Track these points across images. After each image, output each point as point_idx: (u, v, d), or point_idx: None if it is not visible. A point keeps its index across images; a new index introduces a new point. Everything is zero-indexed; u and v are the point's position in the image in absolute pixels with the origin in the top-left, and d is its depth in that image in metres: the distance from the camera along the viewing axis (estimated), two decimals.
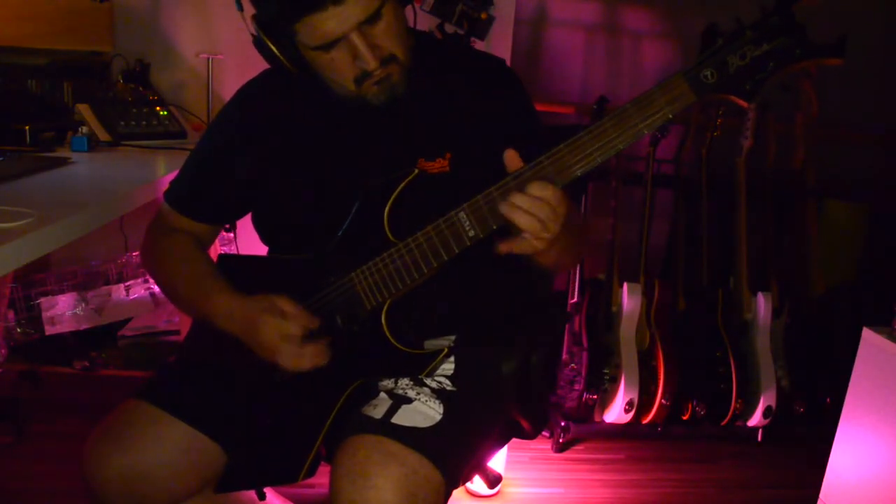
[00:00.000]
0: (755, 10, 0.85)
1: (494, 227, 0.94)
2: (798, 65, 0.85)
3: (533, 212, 0.90)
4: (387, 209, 1.03)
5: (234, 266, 1.20)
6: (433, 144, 1.10)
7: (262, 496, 1.23)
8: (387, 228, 1.03)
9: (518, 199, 0.90)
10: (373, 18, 0.97)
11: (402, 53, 1.03)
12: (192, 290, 1.14)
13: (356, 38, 0.97)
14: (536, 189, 0.90)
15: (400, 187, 1.03)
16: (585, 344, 2.21)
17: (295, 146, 1.15)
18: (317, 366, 1.04)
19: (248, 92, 1.19)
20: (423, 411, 1.02)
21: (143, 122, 1.94)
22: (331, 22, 0.95)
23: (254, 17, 1.03)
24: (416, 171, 1.04)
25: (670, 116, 0.87)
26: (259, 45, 1.04)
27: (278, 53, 1.03)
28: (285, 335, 1.02)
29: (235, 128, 1.18)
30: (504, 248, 0.93)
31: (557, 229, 0.91)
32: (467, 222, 0.95)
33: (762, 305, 2.30)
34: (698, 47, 0.87)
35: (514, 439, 1.28)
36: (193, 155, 1.23)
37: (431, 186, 1.06)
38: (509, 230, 0.93)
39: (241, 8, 1.07)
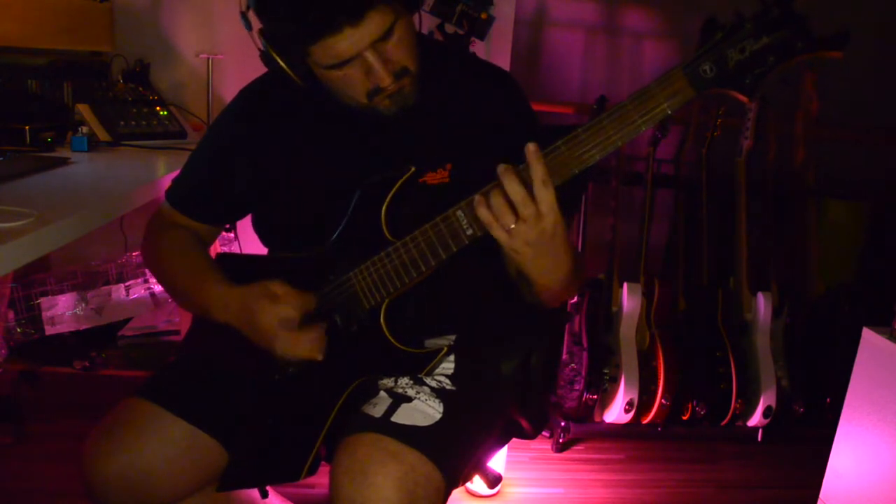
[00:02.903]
0: (755, 7, 0.83)
1: None
2: (799, 58, 0.83)
3: (512, 195, 0.87)
4: (384, 208, 1.03)
5: (233, 265, 1.21)
6: (433, 155, 1.09)
7: (264, 494, 1.23)
8: (384, 227, 1.02)
9: (505, 170, 0.88)
10: (386, 35, 0.96)
11: (414, 65, 1.02)
12: (189, 283, 1.15)
13: (370, 56, 0.96)
14: (536, 164, 0.87)
15: (397, 185, 1.03)
16: (585, 344, 2.21)
17: (295, 150, 1.15)
18: (313, 355, 1.04)
19: (249, 95, 1.19)
20: (423, 410, 1.02)
21: (143, 122, 1.94)
22: (345, 42, 0.94)
23: (261, 32, 1.01)
24: (413, 169, 1.03)
25: (669, 112, 0.86)
26: (267, 60, 1.02)
27: (288, 70, 1.01)
28: (282, 319, 1.02)
29: (236, 130, 1.18)
30: (477, 199, 0.91)
31: (534, 233, 0.89)
32: (465, 220, 0.94)
33: (762, 305, 2.30)
34: (698, 44, 0.86)
35: (514, 439, 1.28)
36: (194, 156, 1.23)
37: (431, 197, 1.06)
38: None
39: (249, 28, 1.05)
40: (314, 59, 0.98)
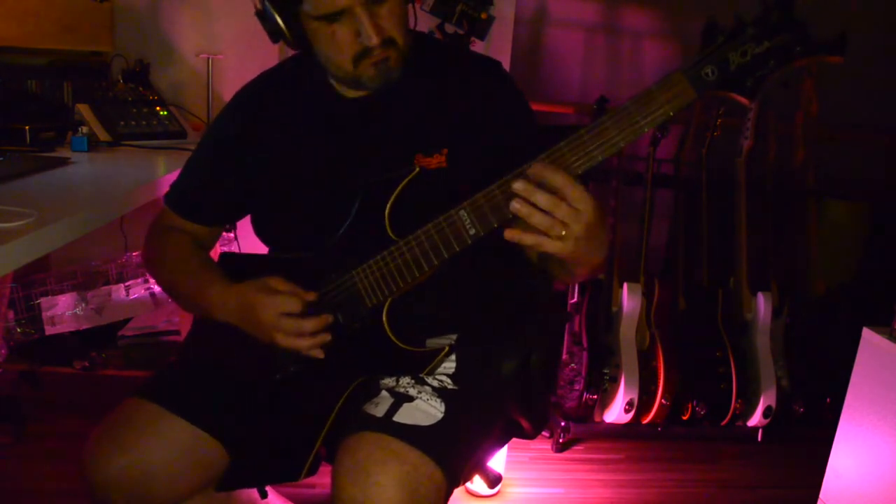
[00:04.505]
0: (755, 9, 0.84)
1: (496, 226, 0.93)
2: (799, 62, 0.83)
3: (547, 208, 0.85)
4: (388, 208, 1.03)
5: (236, 264, 1.21)
6: (430, 140, 1.10)
7: (264, 494, 1.23)
8: (388, 227, 1.03)
9: (525, 189, 0.86)
10: None
11: (402, 39, 1.03)
12: (190, 285, 1.15)
13: (361, 12, 0.98)
14: (552, 175, 0.85)
15: (401, 186, 1.03)
16: (585, 344, 2.21)
17: (293, 147, 1.15)
18: (319, 344, 1.04)
19: (245, 95, 1.20)
20: (425, 409, 1.02)
21: (143, 122, 1.94)
22: None
23: None
24: (418, 169, 1.04)
25: (671, 114, 0.86)
26: (263, 16, 1.04)
27: (282, 25, 1.02)
28: (282, 311, 1.03)
29: (233, 131, 1.18)
30: (509, 234, 0.89)
31: (580, 229, 0.87)
32: (468, 220, 0.94)
33: (762, 305, 2.30)
34: (698, 46, 0.86)
35: (514, 439, 1.28)
36: (192, 158, 1.24)
37: (430, 182, 1.06)
38: (512, 225, 0.91)
39: None
40: (306, 9, 0.99)
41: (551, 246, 0.88)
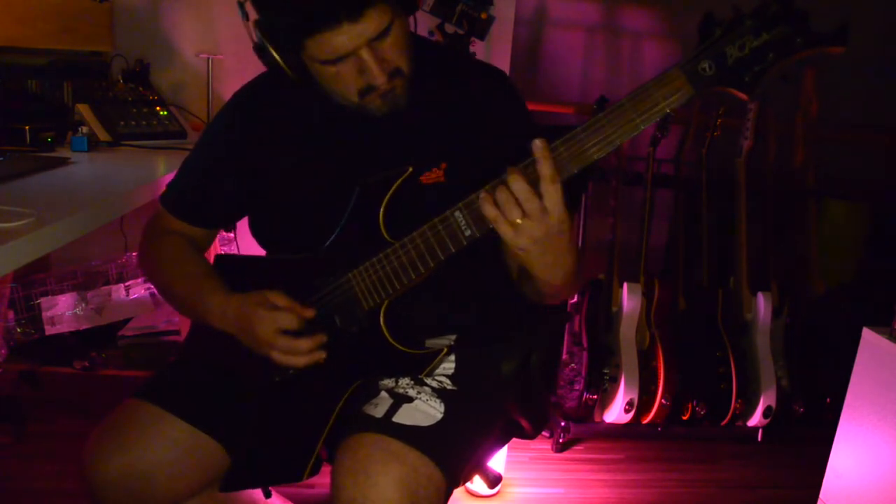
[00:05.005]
0: (752, 4, 0.82)
1: (491, 227, 0.92)
2: (798, 55, 0.82)
3: (518, 194, 0.87)
4: (382, 208, 1.02)
5: (232, 266, 1.20)
6: (429, 154, 1.09)
7: (268, 494, 1.23)
8: (383, 228, 1.02)
9: (510, 171, 0.88)
10: (383, 34, 0.96)
11: (407, 66, 1.02)
12: (187, 291, 1.15)
13: (366, 54, 0.96)
14: (539, 168, 0.86)
15: (395, 186, 1.02)
16: (585, 344, 2.21)
17: (289, 151, 1.15)
18: (313, 363, 1.04)
19: (243, 97, 1.19)
20: (424, 410, 1.02)
21: (143, 122, 1.94)
22: (342, 38, 0.94)
23: (256, 23, 1.00)
24: (410, 169, 1.03)
25: (668, 111, 0.85)
26: (260, 52, 1.01)
27: (281, 63, 1.00)
28: (279, 328, 1.02)
29: (229, 133, 1.17)
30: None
31: (541, 230, 0.88)
32: (463, 222, 0.94)
33: (762, 305, 2.30)
34: (696, 40, 0.85)
35: (514, 439, 1.28)
36: (189, 160, 1.23)
37: (427, 196, 1.05)
38: None
39: (246, 18, 1.05)
40: (309, 54, 0.98)
41: (503, 228, 0.89)
